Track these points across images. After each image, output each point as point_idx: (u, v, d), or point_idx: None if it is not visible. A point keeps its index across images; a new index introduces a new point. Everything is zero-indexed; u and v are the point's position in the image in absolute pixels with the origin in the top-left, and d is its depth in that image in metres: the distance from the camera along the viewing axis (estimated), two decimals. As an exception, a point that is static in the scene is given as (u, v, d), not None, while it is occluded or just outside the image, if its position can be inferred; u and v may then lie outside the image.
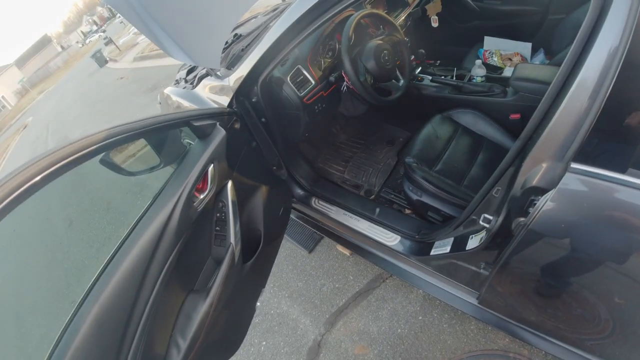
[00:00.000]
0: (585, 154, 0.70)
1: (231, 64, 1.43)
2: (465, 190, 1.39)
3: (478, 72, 1.60)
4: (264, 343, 1.71)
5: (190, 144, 1.12)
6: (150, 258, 0.86)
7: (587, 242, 0.78)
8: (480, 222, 0.98)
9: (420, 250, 1.33)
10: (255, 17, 2.18)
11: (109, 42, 15.70)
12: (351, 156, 1.96)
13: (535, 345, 1.20)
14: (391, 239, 1.42)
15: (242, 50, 1.49)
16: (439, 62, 1.83)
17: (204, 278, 1.10)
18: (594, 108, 0.67)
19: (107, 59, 13.05)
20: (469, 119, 1.58)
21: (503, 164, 0.92)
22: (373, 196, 1.73)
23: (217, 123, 1.13)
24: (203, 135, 1.10)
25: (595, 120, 0.67)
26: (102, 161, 0.94)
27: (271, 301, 1.84)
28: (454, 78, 1.68)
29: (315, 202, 1.66)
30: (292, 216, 1.83)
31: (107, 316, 0.77)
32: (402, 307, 1.60)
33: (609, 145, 0.71)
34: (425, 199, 1.39)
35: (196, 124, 1.07)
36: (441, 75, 1.73)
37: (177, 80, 1.92)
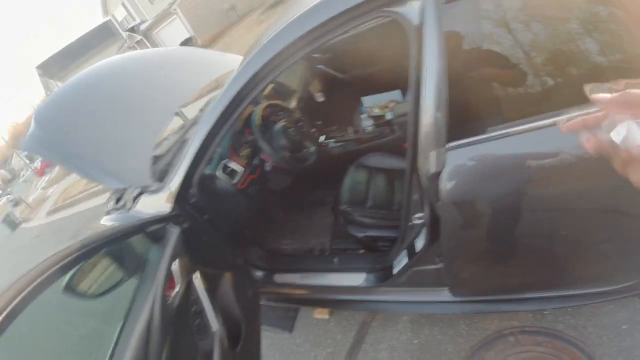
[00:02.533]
0: (455, 135, 0.95)
1: (160, 177, 1.54)
2: (398, 214, 1.60)
3: (367, 123, 1.97)
4: None
5: (149, 250, 1.16)
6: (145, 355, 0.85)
7: (491, 194, 0.99)
8: (415, 222, 1.17)
9: (385, 275, 1.46)
10: (166, 139, 2.37)
11: (17, 202, 14.58)
12: (295, 226, 2.10)
13: (518, 310, 1.36)
14: (358, 279, 1.53)
15: (168, 163, 1.62)
16: (335, 127, 2.19)
17: None
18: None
19: (19, 219, 11.98)
20: (375, 160, 1.88)
21: (407, 172, 1.15)
22: (327, 252, 1.86)
23: (170, 223, 1.21)
24: (158, 238, 1.16)
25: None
26: (65, 289, 0.92)
27: (273, 398, 1.73)
28: (351, 134, 2.03)
29: (278, 277, 1.72)
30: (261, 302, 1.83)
31: None
32: (395, 340, 1.65)
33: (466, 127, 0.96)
34: (370, 233, 1.57)
35: (149, 229, 1.14)
36: (341, 136, 2.06)
37: (107, 212, 1.94)
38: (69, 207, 8.06)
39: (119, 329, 0.90)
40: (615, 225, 1.04)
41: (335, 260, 1.64)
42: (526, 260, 1.19)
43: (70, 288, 0.93)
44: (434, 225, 1.15)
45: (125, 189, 1.82)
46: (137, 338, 0.86)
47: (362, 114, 2.02)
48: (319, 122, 2.05)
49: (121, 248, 1.13)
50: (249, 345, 1.32)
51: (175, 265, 1.10)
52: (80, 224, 6.17)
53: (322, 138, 2.07)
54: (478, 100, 0.99)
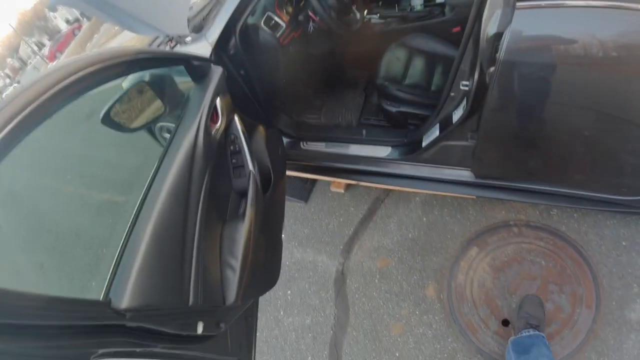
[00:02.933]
0: None
1: (197, 28, 1.48)
2: (435, 95, 1.57)
3: (416, 1, 1.82)
4: (289, 292, 1.77)
5: (192, 86, 1.14)
6: (189, 179, 0.89)
7: (547, 67, 0.96)
8: (461, 87, 1.14)
9: (412, 149, 1.48)
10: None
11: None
12: (322, 104, 2.08)
13: (529, 202, 1.43)
14: (383, 151, 1.56)
15: (205, 18, 1.54)
16: (380, 2, 2.03)
17: (233, 209, 1.14)
18: None
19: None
20: (419, 41, 1.77)
21: (465, 34, 1.09)
22: (355, 126, 1.87)
23: (212, 63, 1.18)
24: (200, 75, 1.13)
25: None
26: (103, 121, 0.93)
27: (283, 254, 1.88)
28: (397, 12, 1.89)
29: (304, 144, 1.75)
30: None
31: (163, 234, 0.79)
32: (405, 216, 1.75)
33: None
34: (404, 108, 1.56)
35: (193, 63, 1.11)
36: (386, 12, 1.92)
37: None
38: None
39: (164, 150, 0.91)
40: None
41: (364, 131, 1.65)
42: (555, 149, 1.19)
43: (109, 118, 0.93)
44: (478, 94, 1.12)
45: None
46: (182, 158, 0.88)
47: (412, -8, 1.86)
48: (364, -5, 1.91)
49: (164, 80, 1.11)
50: (276, 195, 1.39)
51: (219, 101, 1.09)
52: (96, 105, 6.18)
53: (365, 12, 1.94)
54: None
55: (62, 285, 0.76)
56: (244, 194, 1.14)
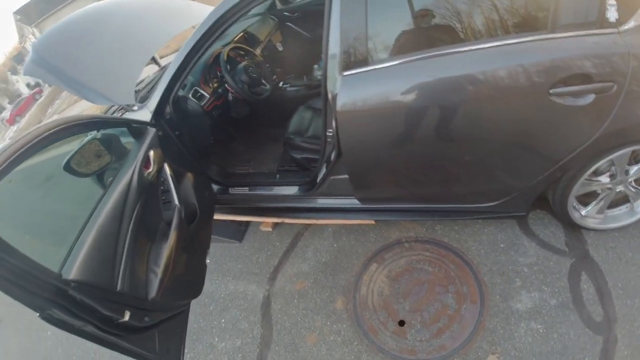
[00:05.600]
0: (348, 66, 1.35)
1: (143, 99, 1.85)
2: None
3: (318, 73, 2.34)
4: (223, 320, 1.98)
5: (132, 143, 1.49)
6: (124, 203, 1.23)
7: (368, 111, 1.38)
8: (327, 134, 1.56)
9: (312, 186, 1.86)
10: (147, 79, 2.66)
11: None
12: (250, 158, 2.48)
13: (407, 219, 1.87)
14: (292, 190, 1.93)
15: (149, 92, 1.94)
16: (292, 75, 2.56)
17: (161, 233, 1.42)
18: None
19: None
20: (319, 103, 2.26)
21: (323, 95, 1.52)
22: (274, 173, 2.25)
23: (148, 126, 1.55)
24: (139, 134, 1.50)
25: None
26: (65, 168, 1.24)
27: (219, 288, 2.13)
28: (305, 81, 2.41)
29: (232, 190, 2.10)
30: (218, 217, 2.20)
31: (102, 237, 1.12)
32: (320, 245, 2.08)
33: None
34: (307, 155, 1.97)
35: (133, 125, 1.49)
36: (296, 82, 2.44)
37: None
38: (39, 154, 8.00)
39: (109, 183, 1.27)
40: (477, 150, 1.42)
41: (277, 176, 2.03)
42: (406, 174, 1.60)
43: (69, 166, 1.25)
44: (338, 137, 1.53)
45: None
46: (121, 189, 1.24)
47: (319, 68, 2.39)
48: (278, 69, 2.42)
49: (112, 138, 1.45)
50: (202, 226, 1.69)
51: (152, 153, 1.44)
52: (53, 167, 6.24)
53: (281, 83, 2.44)
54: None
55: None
56: (170, 223, 1.44)
